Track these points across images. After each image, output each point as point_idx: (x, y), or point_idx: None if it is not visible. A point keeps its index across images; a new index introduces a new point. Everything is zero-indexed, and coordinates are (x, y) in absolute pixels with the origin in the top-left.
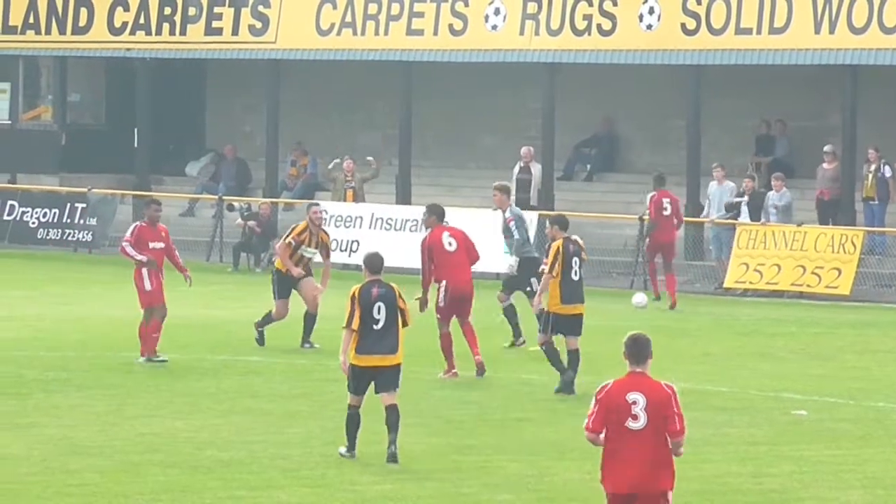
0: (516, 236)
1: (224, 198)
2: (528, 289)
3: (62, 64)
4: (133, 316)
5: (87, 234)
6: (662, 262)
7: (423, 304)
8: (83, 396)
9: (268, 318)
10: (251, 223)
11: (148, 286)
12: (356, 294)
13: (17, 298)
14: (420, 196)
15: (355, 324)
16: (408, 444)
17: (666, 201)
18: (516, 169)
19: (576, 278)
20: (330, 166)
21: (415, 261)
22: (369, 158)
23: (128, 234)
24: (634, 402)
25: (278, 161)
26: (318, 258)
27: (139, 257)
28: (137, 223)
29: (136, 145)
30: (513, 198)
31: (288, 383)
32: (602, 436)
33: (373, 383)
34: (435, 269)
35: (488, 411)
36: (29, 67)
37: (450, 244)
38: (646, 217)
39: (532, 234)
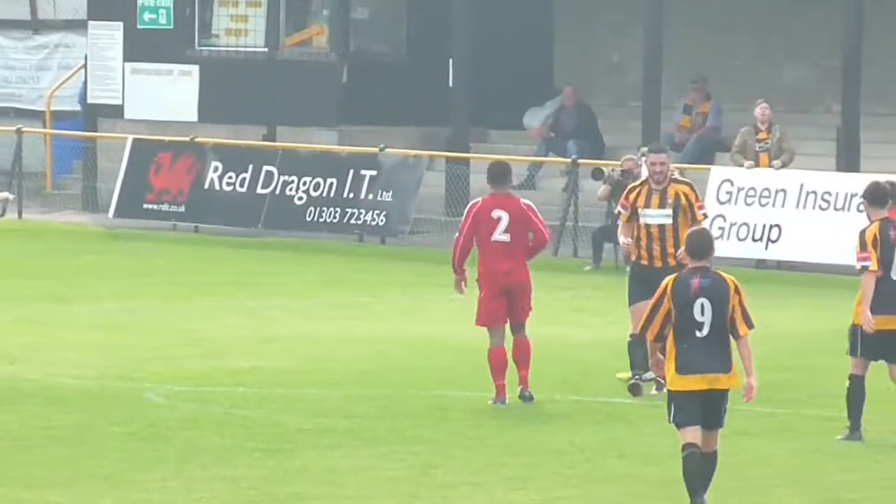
0: None
1: (580, 161)
2: None
3: None
4: (451, 339)
5: (378, 216)
6: None
7: None
8: (373, 455)
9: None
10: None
11: None
12: (669, 287)
13: (278, 311)
14: (872, 158)
15: (651, 331)
16: None
17: None
18: None
19: None
20: (736, 142)
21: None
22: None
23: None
24: None
25: (660, 106)
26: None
27: None
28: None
29: (450, 84)
30: None
31: (667, 435)
32: None
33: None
34: None
35: None
36: None
37: None
38: None
39: None
